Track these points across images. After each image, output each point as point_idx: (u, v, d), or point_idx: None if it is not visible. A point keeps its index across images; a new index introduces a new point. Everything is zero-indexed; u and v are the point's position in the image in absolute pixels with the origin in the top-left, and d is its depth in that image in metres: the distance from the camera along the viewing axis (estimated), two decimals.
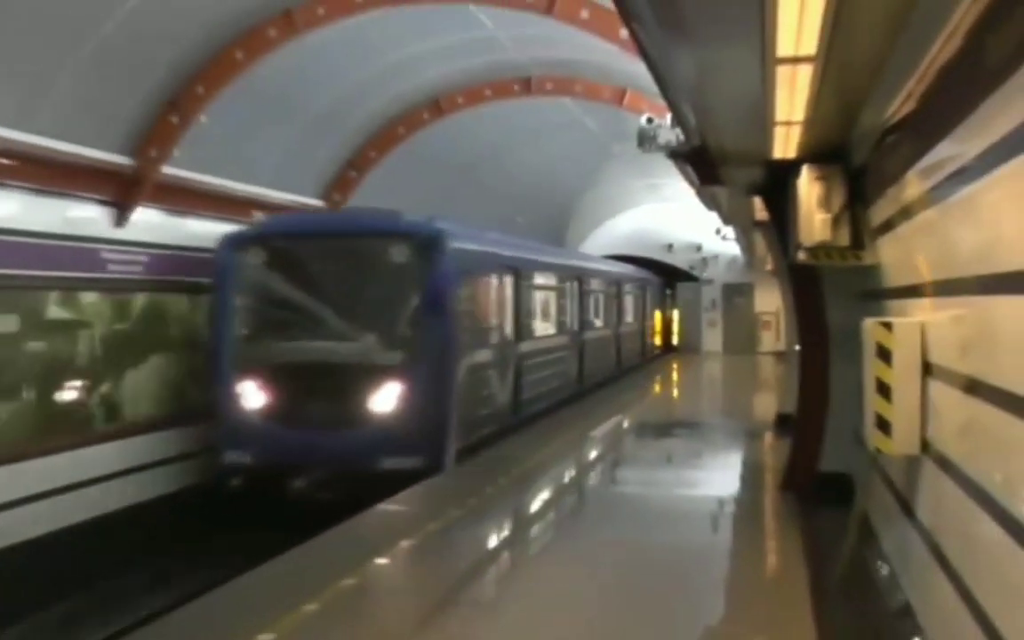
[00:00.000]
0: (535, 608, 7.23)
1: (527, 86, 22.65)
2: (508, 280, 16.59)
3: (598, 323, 25.57)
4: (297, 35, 16.74)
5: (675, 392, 26.63)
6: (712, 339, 37.87)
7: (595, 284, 25.31)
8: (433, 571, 8.23)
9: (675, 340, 39.17)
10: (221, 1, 14.56)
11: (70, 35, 11.90)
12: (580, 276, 23.44)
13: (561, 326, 21.17)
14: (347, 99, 19.97)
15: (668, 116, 10.68)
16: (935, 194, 5.51)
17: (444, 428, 12.89)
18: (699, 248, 37.20)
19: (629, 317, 30.29)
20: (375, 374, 12.73)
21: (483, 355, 14.92)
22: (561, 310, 21.36)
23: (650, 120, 11.50)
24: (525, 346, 17.38)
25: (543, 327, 20.05)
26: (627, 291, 29.91)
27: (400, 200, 17.25)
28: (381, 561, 8.40)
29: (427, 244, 13.21)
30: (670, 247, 37.89)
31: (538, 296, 19.76)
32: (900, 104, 6.15)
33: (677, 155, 11.02)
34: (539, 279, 19.49)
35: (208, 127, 15.32)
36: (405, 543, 8.85)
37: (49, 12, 11.37)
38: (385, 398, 12.69)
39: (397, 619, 7.10)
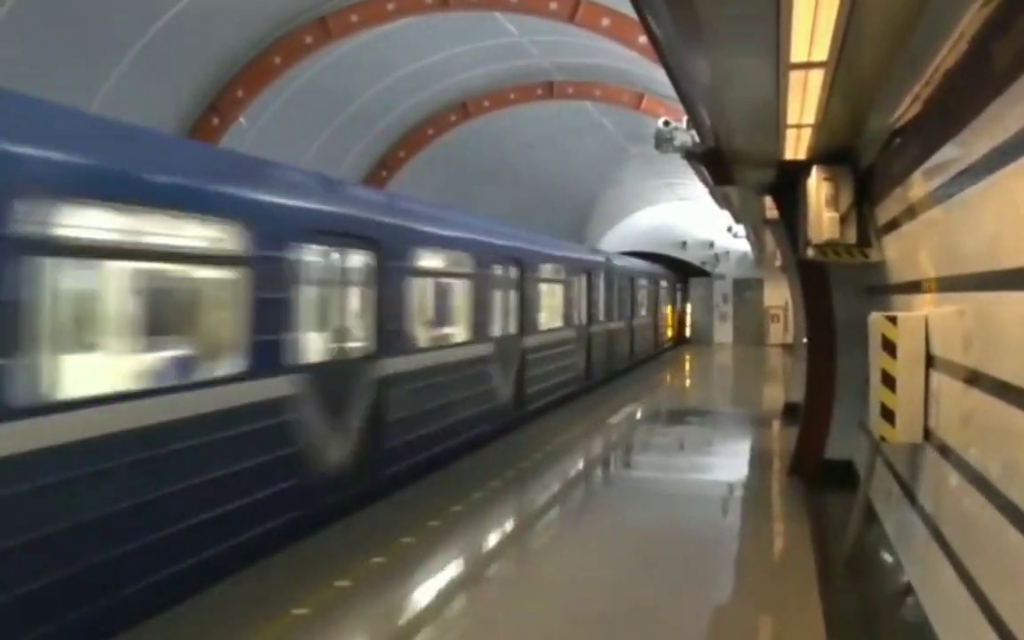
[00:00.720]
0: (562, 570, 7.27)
1: (549, 90, 22.65)
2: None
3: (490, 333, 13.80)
4: (332, 41, 16.87)
5: (687, 382, 26.52)
6: (723, 331, 38.04)
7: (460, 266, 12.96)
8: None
9: (688, 332, 39.13)
10: (261, 8, 14.65)
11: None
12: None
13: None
14: (378, 101, 20.06)
15: (684, 119, 10.62)
16: (940, 194, 5.47)
17: None
18: (711, 245, 37.28)
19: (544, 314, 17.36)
20: None
21: None
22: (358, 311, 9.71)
23: (667, 123, 11.43)
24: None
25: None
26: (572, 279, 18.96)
27: (430, 196, 17.15)
28: None
29: None
30: (684, 244, 37.99)
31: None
32: (907, 107, 6.11)
33: (692, 156, 10.97)
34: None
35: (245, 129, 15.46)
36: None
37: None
38: None
39: None
